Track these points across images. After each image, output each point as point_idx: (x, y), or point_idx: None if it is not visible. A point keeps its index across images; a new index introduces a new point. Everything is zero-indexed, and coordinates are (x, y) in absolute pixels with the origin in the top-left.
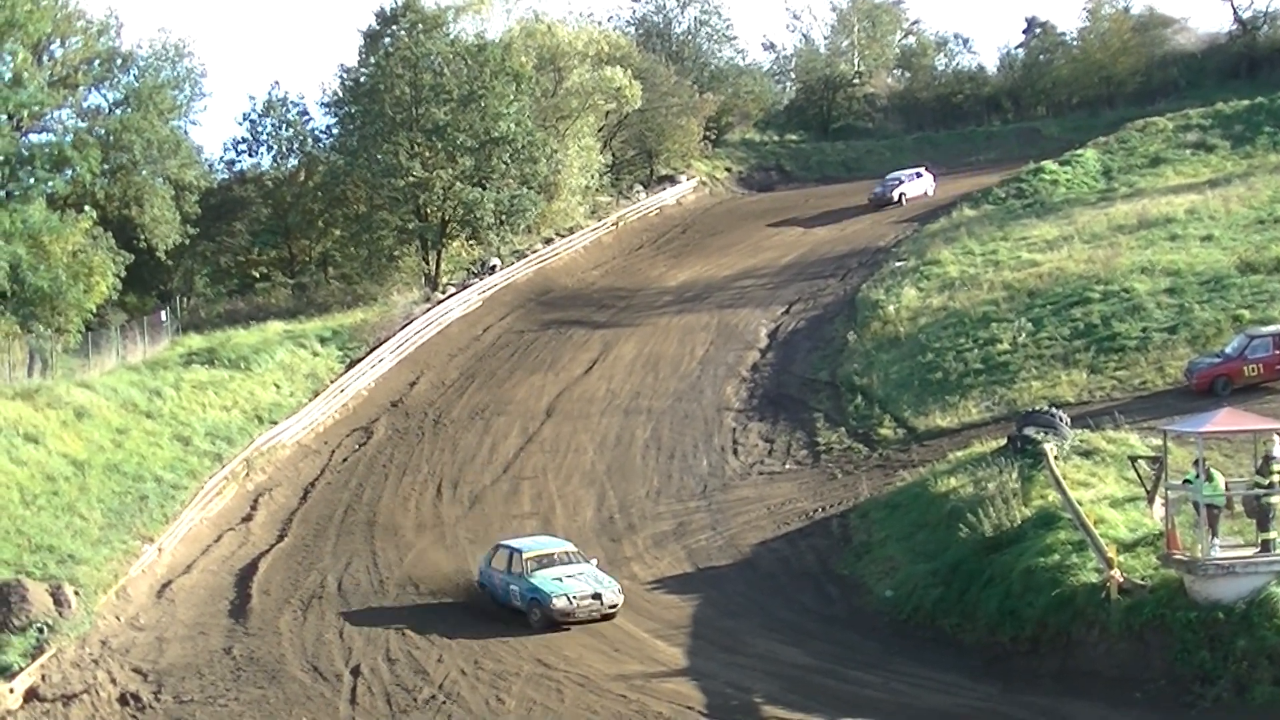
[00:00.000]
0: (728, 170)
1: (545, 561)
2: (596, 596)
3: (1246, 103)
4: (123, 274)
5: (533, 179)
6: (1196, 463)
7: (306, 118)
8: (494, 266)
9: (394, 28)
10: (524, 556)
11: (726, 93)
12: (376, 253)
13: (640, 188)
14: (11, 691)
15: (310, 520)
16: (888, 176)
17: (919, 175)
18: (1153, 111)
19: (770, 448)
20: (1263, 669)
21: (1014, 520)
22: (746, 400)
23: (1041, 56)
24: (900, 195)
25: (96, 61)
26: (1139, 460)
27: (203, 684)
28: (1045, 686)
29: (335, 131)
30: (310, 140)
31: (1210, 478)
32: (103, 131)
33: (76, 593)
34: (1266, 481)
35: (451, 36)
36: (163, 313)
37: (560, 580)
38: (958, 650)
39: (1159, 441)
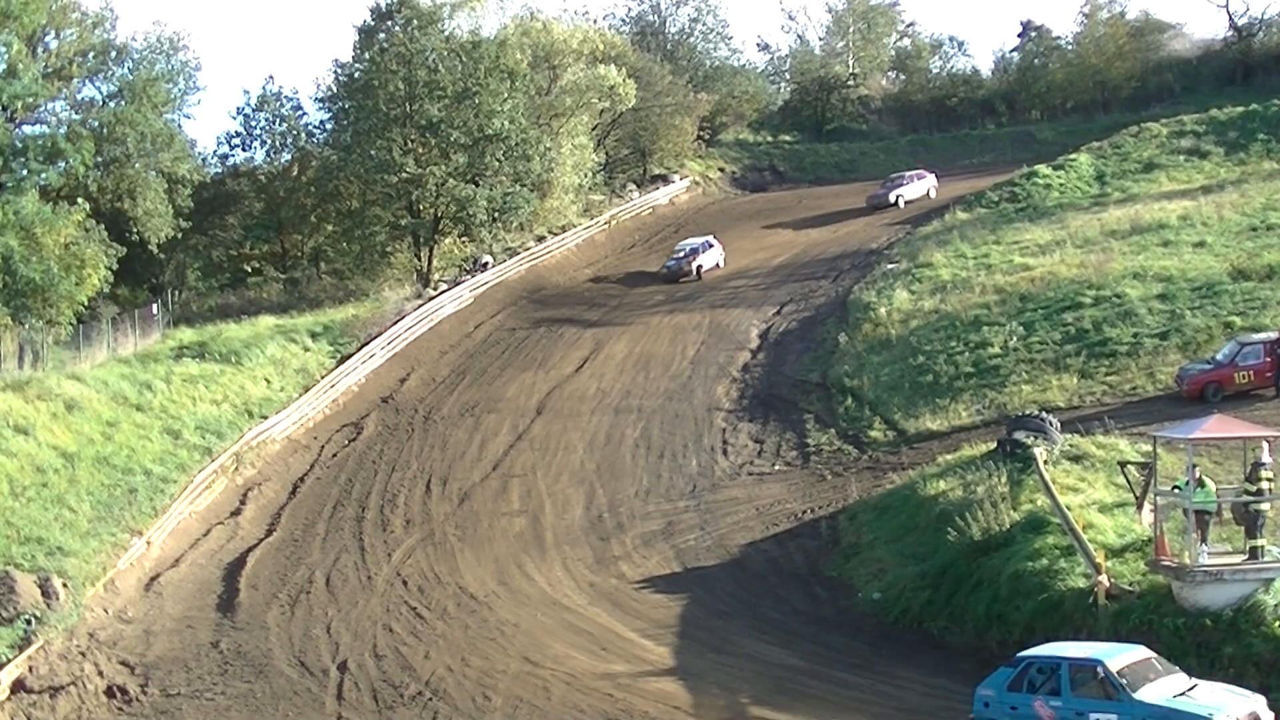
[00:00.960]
0: (721, 170)
1: (1142, 674)
2: (1255, 717)
3: (1241, 109)
4: (115, 267)
5: (526, 177)
6: (1190, 469)
7: (300, 112)
8: (486, 264)
9: (389, 23)
10: (1111, 668)
11: (721, 93)
12: (369, 248)
13: (633, 187)
14: None
15: (299, 515)
16: (678, 246)
17: (710, 245)
18: (1147, 117)
19: (760, 448)
20: (1249, 676)
21: (1003, 524)
22: (737, 401)
23: (1036, 60)
24: (697, 268)
25: (91, 54)
26: (1129, 466)
27: (190, 677)
28: None
29: (329, 127)
30: (304, 135)
31: (1202, 484)
32: (96, 124)
33: (65, 585)
34: (1255, 488)
35: (446, 33)
36: (154, 306)
37: (1190, 697)
38: (945, 653)
39: (1149, 447)
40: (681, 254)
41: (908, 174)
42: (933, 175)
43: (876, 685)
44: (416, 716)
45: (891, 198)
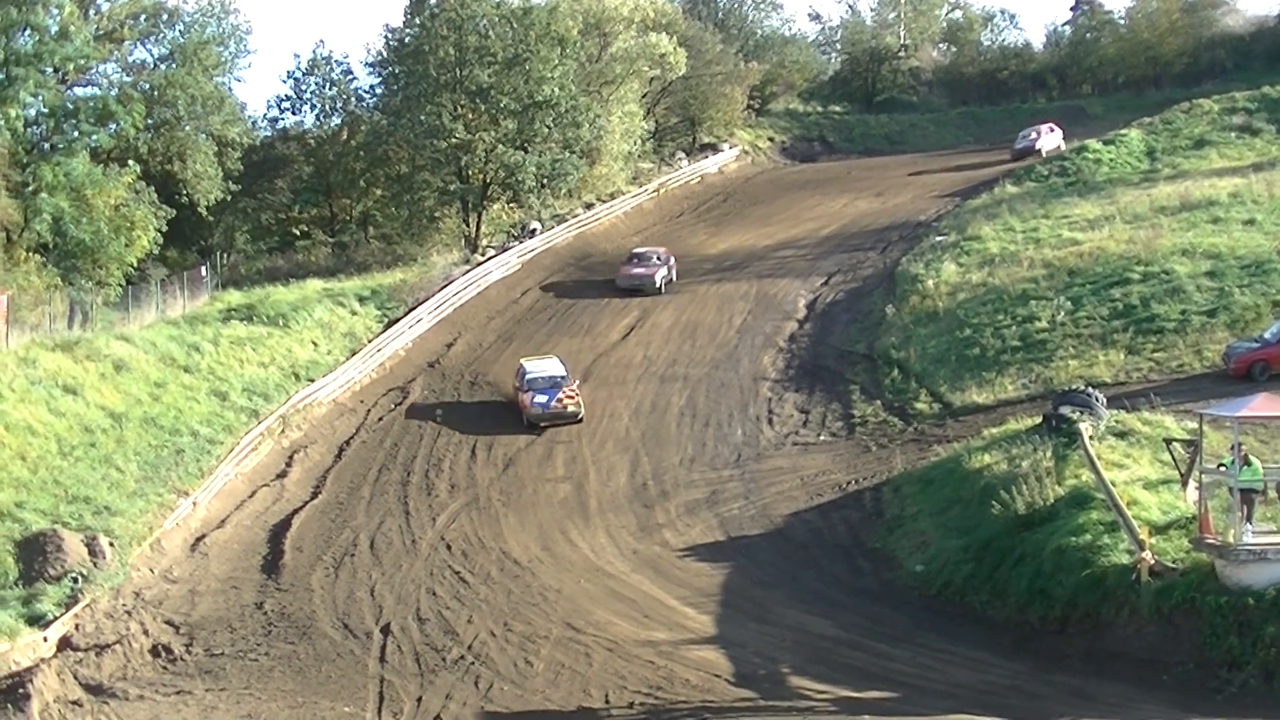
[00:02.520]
0: (770, 140)
1: None
2: None
3: None
4: (164, 229)
5: (575, 144)
6: (1234, 447)
7: (350, 77)
8: (534, 230)
9: None
10: None
11: (771, 62)
12: (417, 213)
13: (682, 155)
14: (45, 640)
15: (344, 478)
16: (524, 369)
17: (565, 378)
18: (1198, 93)
19: (805, 419)
20: None
21: (1047, 499)
22: (783, 370)
23: (1088, 35)
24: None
25: (142, 16)
26: (1174, 443)
27: (234, 638)
28: (1073, 666)
29: (379, 91)
30: (353, 99)
31: (1248, 462)
32: (147, 86)
33: (111, 544)
34: None
35: None
36: (203, 268)
37: None
38: (987, 627)
39: (1194, 424)
40: (533, 377)
41: (659, 251)
42: (673, 258)
43: (918, 658)
44: (458, 680)
45: (658, 280)
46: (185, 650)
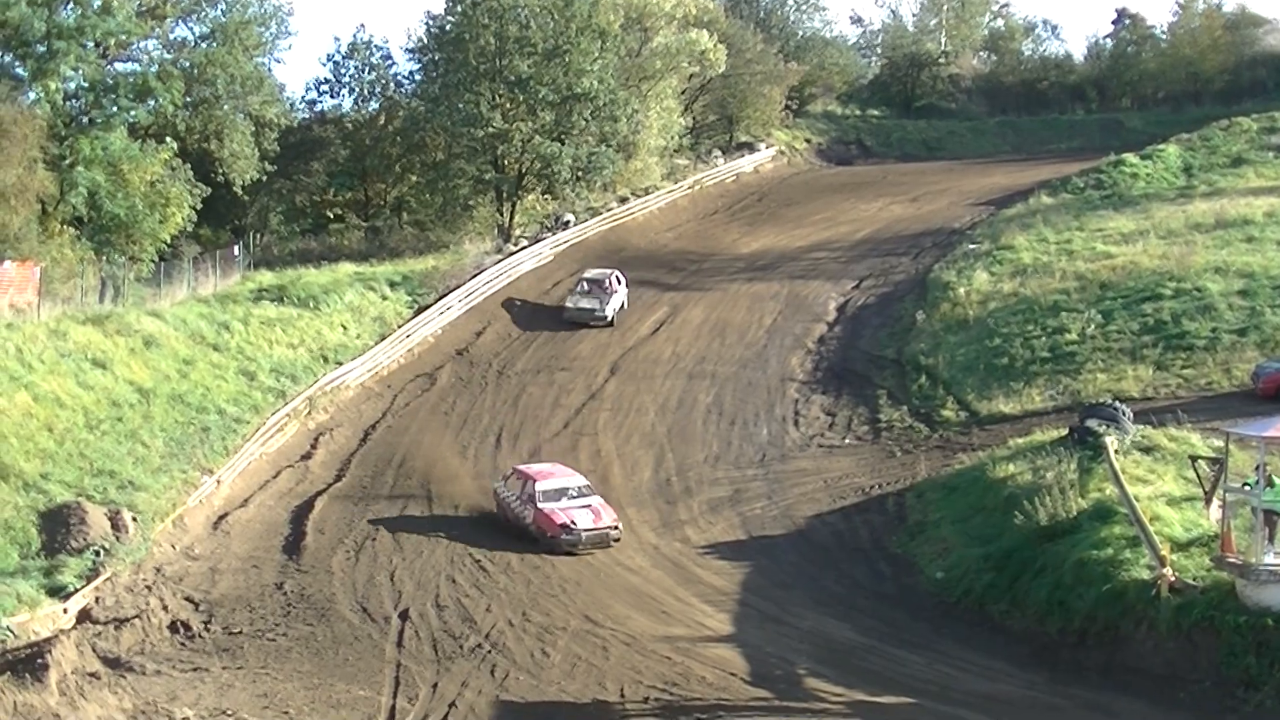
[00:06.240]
0: (807, 141)
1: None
2: None
3: None
4: (199, 206)
5: (612, 137)
6: (1258, 467)
7: (389, 62)
8: (568, 222)
9: None
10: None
11: (811, 63)
12: (451, 201)
13: (719, 153)
14: (65, 611)
15: (369, 462)
16: None
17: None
18: (1238, 111)
19: (831, 421)
20: None
21: (1070, 511)
22: (811, 372)
23: (1129, 48)
24: None
25: None
26: (1199, 460)
27: (253, 617)
28: (1090, 680)
29: (417, 78)
30: (392, 85)
31: (1271, 483)
32: (187, 64)
33: (134, 519)
34: None
35: None
36: (236, 247)
37: None
38: (1005, 637)
39: (1220, 443)
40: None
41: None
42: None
43: (934, 665)
44: (475, 668)
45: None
46: (203, 627)
